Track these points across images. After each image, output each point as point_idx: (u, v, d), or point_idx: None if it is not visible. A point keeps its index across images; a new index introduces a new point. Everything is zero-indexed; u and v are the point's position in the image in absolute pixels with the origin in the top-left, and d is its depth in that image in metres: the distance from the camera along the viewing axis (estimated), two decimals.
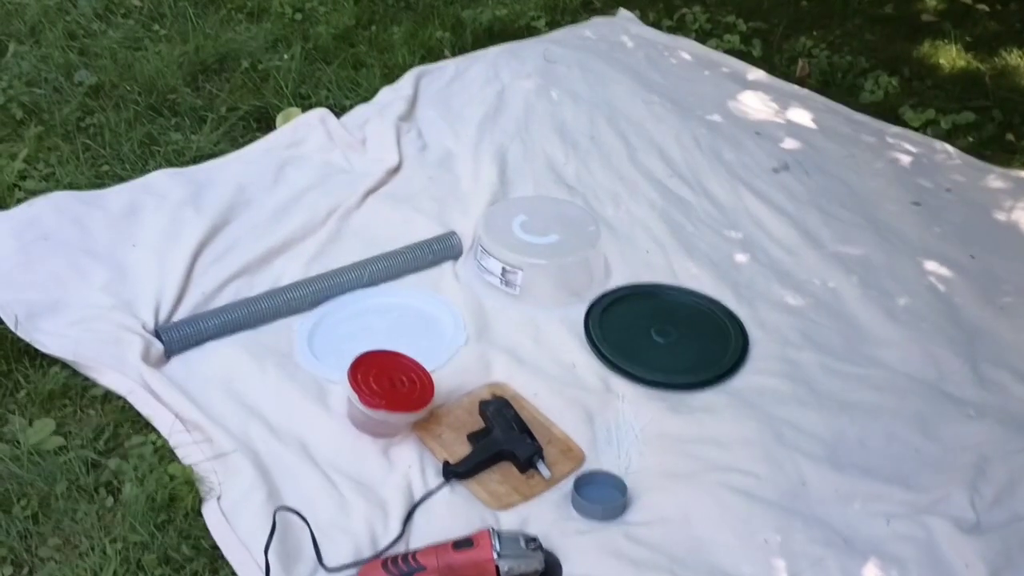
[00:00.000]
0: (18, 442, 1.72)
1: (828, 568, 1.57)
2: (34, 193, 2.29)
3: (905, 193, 2.51)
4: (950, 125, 2.80)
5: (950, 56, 3.22)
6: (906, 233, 2.36)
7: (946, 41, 3.31)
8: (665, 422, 1.82)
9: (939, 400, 1.89)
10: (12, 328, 1.90)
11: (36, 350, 1.89)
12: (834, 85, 3.05)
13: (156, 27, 3.11)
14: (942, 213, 2.45)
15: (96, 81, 2.76)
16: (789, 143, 2.70)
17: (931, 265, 2.26)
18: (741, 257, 2.26)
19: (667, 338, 2.02)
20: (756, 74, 3.06)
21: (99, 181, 2.38)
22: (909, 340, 2.04)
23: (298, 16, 3.25)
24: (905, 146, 2.72)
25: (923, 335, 2.05)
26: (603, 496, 1.67)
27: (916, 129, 2.80)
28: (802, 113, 2.85)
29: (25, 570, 1.53)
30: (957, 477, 1.71)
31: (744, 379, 1.94)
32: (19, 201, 2.26)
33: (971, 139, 2.77)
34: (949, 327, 2.08)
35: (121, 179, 2.39)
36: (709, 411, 1.85)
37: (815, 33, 3.35)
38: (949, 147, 2.70)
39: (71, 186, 2.34)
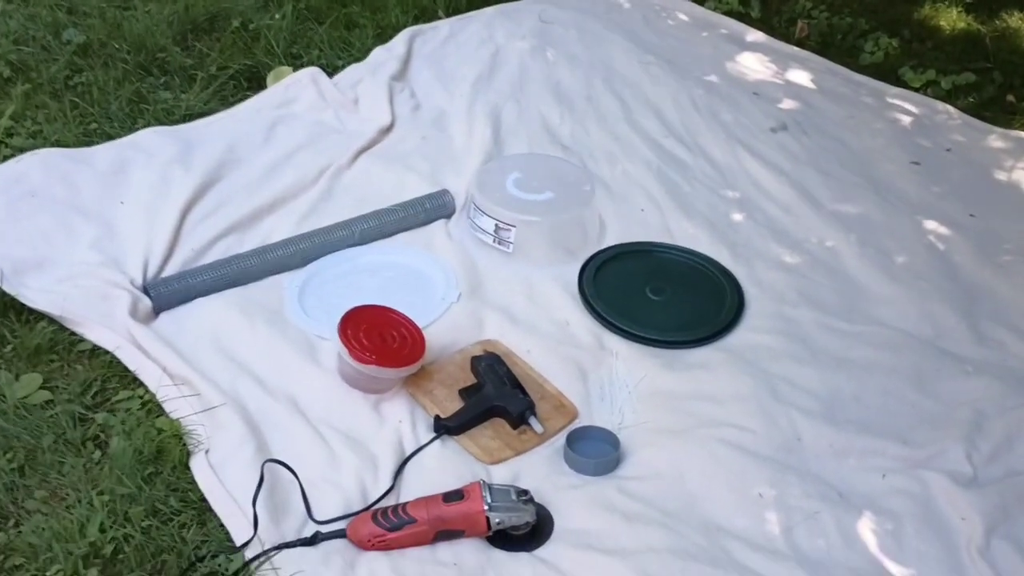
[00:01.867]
0: (4, 396, 1.70)
1: (823, 522, 1.56)
2: (21, 150, 2.26)
3: (904, 153, 2.48)
4: (950, 86, 2.77)
5: (951, 18, 3.18)
6: (905, 192, 2.34)
7: (946, 3, 3.27)
8: (659, 379, 1.81)
9: (936, 357, 1.88)
10: None
11: (23, 305, 1.86)
12: (833, 46, 3.01)
13: None
14: (942, 173, 2.42)
15: (85, 39, 2.72)
16: (787, 104, 2.67)
17: (930, 224, 2.23)
18: (738, 216, 2.23)
19: (662, 296, 2.00)
20: (754, 35, 3.02)
21: (87, 139, 2.35)
22: (907, 298, 2.02)
23: None
24: (905, 106, 2.69)
25: (921, 293, 2.03)
26: (596, 451, 1.65)
27: (916, 90, 2.77)
28: (801, 74, 2.81)
29: (11, 522, 1.52)
30: (954, 432, 1.70)
31: (740, 336, 1.92)
32: (6, 158, 2.23)
33: (972, 100, 2.74)
34: (948, 285, 2.06)
35: (110, 137, 2.35)
36: (704, 368, 1.83)
37: None
38: (950, 107, 2.67)
39: (59, 144, 2.30)
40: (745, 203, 2.28)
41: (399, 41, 2.80)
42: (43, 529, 1.49)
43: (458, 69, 2.71)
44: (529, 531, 1.50)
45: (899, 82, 2.81)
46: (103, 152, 2.27)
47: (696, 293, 2.01)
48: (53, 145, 2.29)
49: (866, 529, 1.56)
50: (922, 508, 1.58)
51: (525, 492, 1.52)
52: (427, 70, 2.71)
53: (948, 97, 2.74)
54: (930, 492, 1.60)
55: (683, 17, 3.13)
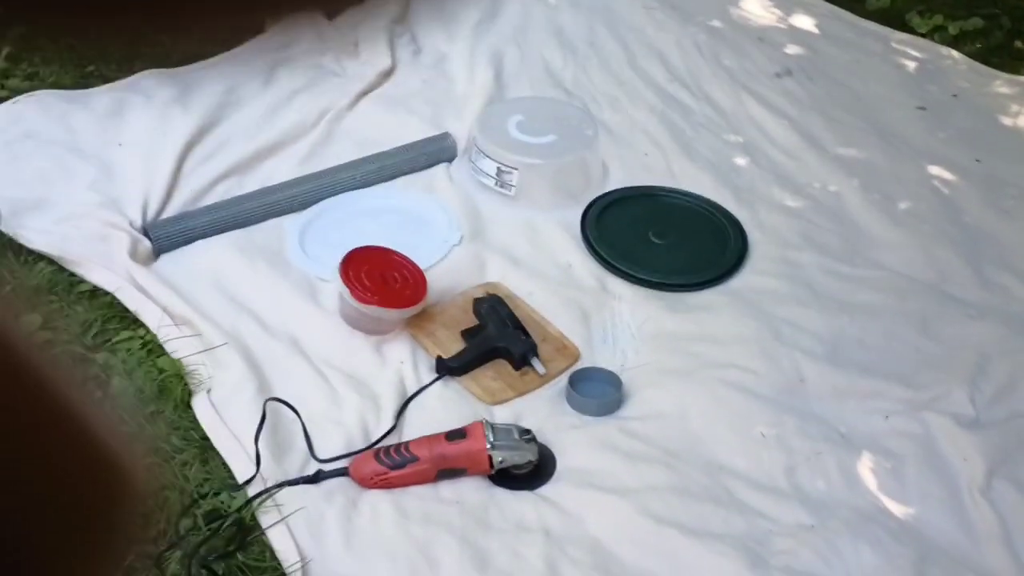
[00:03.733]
0: None
1: (824, 462, 1.56)
2: (17, 92, 2.23)
3: (910, 98, 2.46)
4: (957, 31, 2.73)
5: None
6: (910, 137, 2.31)
7: None
8: (662, 321, 1.80)
9: (940, 301, 1.87)
10: None
11: (21, 246, 1.85)
12: None
13: None
14: (948, 118, 2.40)
15: None
16: (792, 49, 2.64)
17: (935, 169, 2.21)
18: (741, 160, 2.21)
19: (665, 239, 1.99)
20: None
21: (84, 82, 2.32)
22: (911, 242, 2.00)
23: None
24: (911, 52, 2.65)
25: (925, 237, 2.02)
26: (598, 391, 1.65)
27: (923, 35, 2.73)
28: (806, 19, 2.77)
29: None
30: (957, 375, 1.70)
31: (743, 280, 1.91)
32: (3, 100, 2.21)
33: (979, 46, 2.70)
34: (952, 229, 2.04)
35: (107, 80, 2.32)
36: (707, 310, 1.82)
37: None
38: (956, 53, 2.64)
39: (55, 86, 2.27)
40: (749, 147, 2.26)
41: None
42: None
43: (459, 13, 2.67)
44: (531, 470, 1.50)
45: (905, 27, 2.77)
46: (101, 94, 2.24)
47: (699, 236, 1.99)
48: (50, 87, 2.26)
49: (867, 469, 1.56)
50: (924, 449, 1.58)
51: (527, 431, 1.52)
52: (428, 13, 2.67)
53: (955, 43, 2.70)
54: (932, 433, 1.60)
55: None
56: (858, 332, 1.79)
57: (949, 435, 1.58)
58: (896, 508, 1.51)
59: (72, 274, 1.82)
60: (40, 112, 2.14)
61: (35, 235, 1.86)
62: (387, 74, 2.42)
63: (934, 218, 2.07)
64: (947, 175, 2.19)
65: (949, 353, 1.75)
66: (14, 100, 2.18)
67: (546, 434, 1.57)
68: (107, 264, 1.81)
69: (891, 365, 1.73)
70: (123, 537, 0.38)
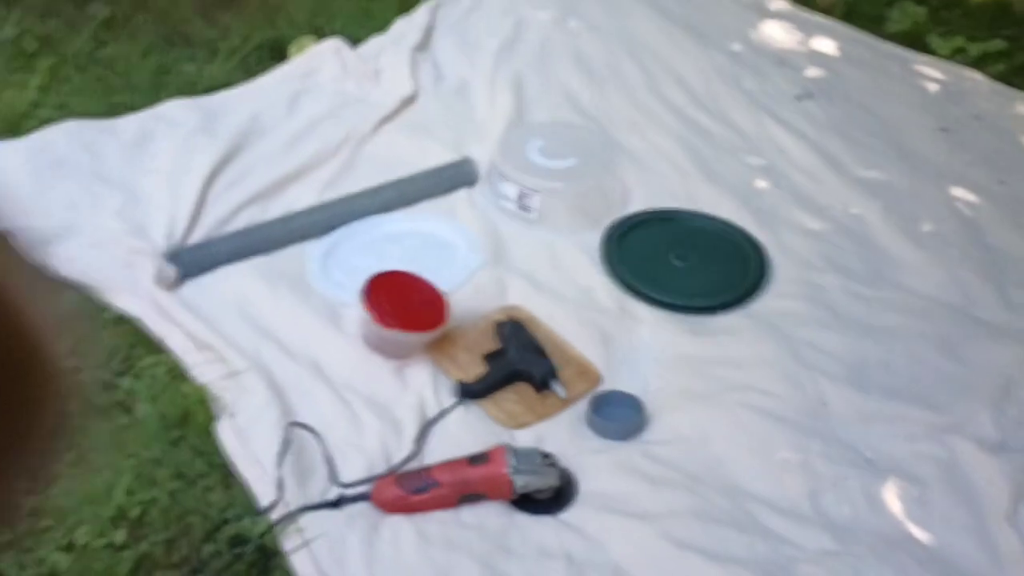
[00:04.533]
0: None
1: (848, 487, 1.55)
2: (47, 122, 2.27)
3: (932, 120, 2.45)
4: (979, 53, 2.71)
5: None
6: (933, 159, 2.30)
7: None
8: (683, 344, 1.80)
9: (965, 323, 1.85)
10: (26, 252, 1.89)
11: (49, 273, 1.87)
12: (859, 15, 2.96)
13: None
14: (970, 140, 2.39)
15: (110, 13, 2.72)
16: (812, 71, 2.64)
17: (958, 191, 2.20)
18: (762, 183, 2.21)
19: (686, 262, 1.99)
20: (778, 4, 2.98)
21: (112, 111, 2.35)
22: (934, 264, 1.99)
23: None
24: (932, 73, 2.64)
25: (949, 259, 2.01)
26: (619, 415, 1.65)
27: (944, 57, 2.73)
28: (826, 42, 2.77)
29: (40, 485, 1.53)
30: (982, 398, 1.68)
31: (764, 302, 1.90)
32: (32, 129, 2.24)
33: (1001, 67, 2.68)
34: (976, 252, 2.03)
35: (134, 109, 2.36)
36: (728, 333, 1.82)
37: None
38: (978, 74, 2.62)
39: (84, 115, 2.31)
40: (770, 170, 2.26)
41: (422, 12, 2.78)
42: (71, 492, 1.50)
43: (480, 39, 2.69)
44: (553, 495, 1.50)
45: (926, 49, 2.76)
46: (128, 123, 2.27)
47: (720, 259, 1.99)
48: (79, 117, 2.30)
49: (892, 494, 1.54)
50: (949, 474, 1.56)
51: (549, 456, 1.52)
52: (449, 40, 2.69)
53: (977, 64, 2.69)
54: (957, 458, 1.58)
55: None
56: (881, 355, 1.78)
57: (974, 460, 1.56)
58: (921, 534, 1.49)
59: (99, 300, 1.84)
60: (69, 140, 2.18)
61: (63, 262, 1.88)
62: (409, 100, 2.45)
63: (957, 240, 2.06)
64: (970, 197, 2.18)
65: (973, 376, 1.74)
66: (44, 129, 2.22)
67: (568, 458, 1.56)
68: (133, 290, 1.83)
69: (915, 388, 1.72)
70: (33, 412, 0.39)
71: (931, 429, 1.64)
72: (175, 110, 2.32)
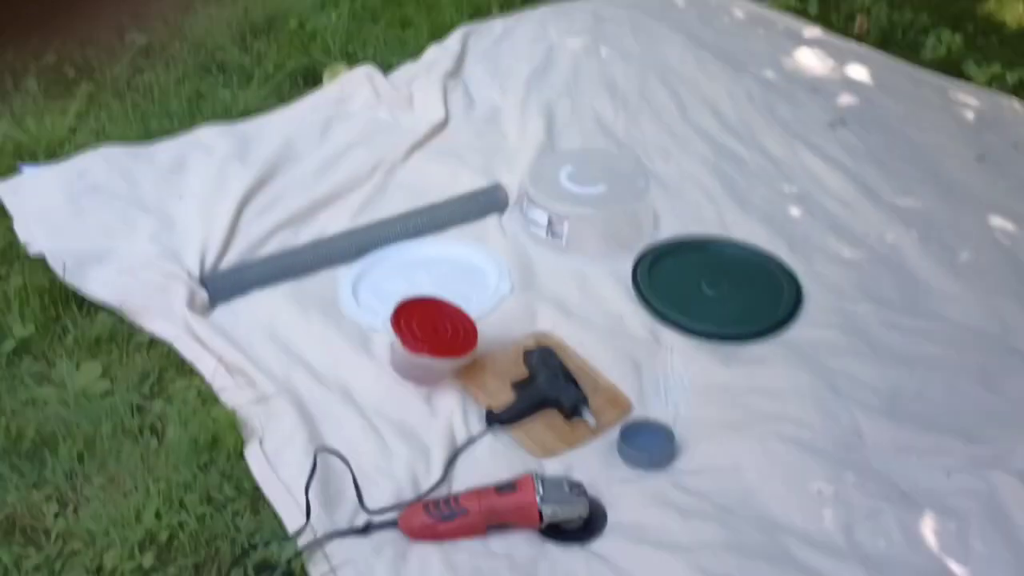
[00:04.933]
0: (65, 385, 1.73)
1: (884, 520, 1.51)
2: (84, 147, 2.31)
3: (969, 148, 2.42)
4: (1016, 80, 2.69)
5: (1016, 12, 3.10)
6: (970, 188, 2.28)
7: None
8: (715, 373, 1.78)
9: (1004, 354, 1.82)
10: (61, 275, 1.92)
11: (84, 297, 1.90)
12: (893, 42, 2.95)
13: None
14: (1009, 168, 2.36)
15: (147, 41, 2.77)
16: (846, 99, 2.62)
17: (996, 220, 2.17)
18: (795, 211, 2.20)
19: (718, 290, 1.97)
20: (812, 31, 2.98)
21: (148, 137, 2.39)
22: (972, 294, 1.96)
23: None
24: (969, 101, 2.62)
25: (987, 289, 1.97)
26: (650, 445, 1.63)
27: (981, 84, 2.70)
28: (860, 69, 2.76)
29: (70, 507, 1.54)
30: (1022, 431, 1.64)
31: (798, 331, 1.88)
32: (69, 155, 2.28)
33: None
34: (1014, 281, 1.99)
35: (169, 134, 2.39)
36: (761, 362, 1.80)
37: None
38: (1016, 102, 2.60)
39: (120, 141, 2.35)
40: (803, 197, 2.24)
41: (453, 39, 2.81)
42: (100, 515, 1.51)
43: (512, 66, 2.71)
44: (582, 524, 1.48)
45: (962, 77, 2.74)
46: (163, 148, 2.31)
47: (753, 287, 1.97)
48: (115, 143, 2.33)
49: (929, 529, 1.51)
50: (988, 508, 1.53)
51: (578, 485, 1.50)
52: (481, 67, 2.71)
53: (1015, 92, 2.67)
54: (996, 492, 1.54)
55: (739, 14, 3.09)
56: (917, 385, 1.75)
57: (1014, 494, 1.52)
58: (959, 570, 1.45)
59: (132, 324, 1.86)
60: (105, 166, 2.21)
61: (97, 286, 1.90)
62: (441, 127, 2.46)
63: (995, 269, 2.03)
64: (1009, 226, 2.15)
65: (1013, 408, 1.70)
66: (81, 155, 2.25)
67: (597, 487, 1.55)
68: (165, 314, 1.85)
69: (953, 420, 1.68)
70: None
71: (969, 462, 1.60)
72: (209, 136, 2.35)
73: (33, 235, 2.02)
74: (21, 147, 2.31)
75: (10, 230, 2.05)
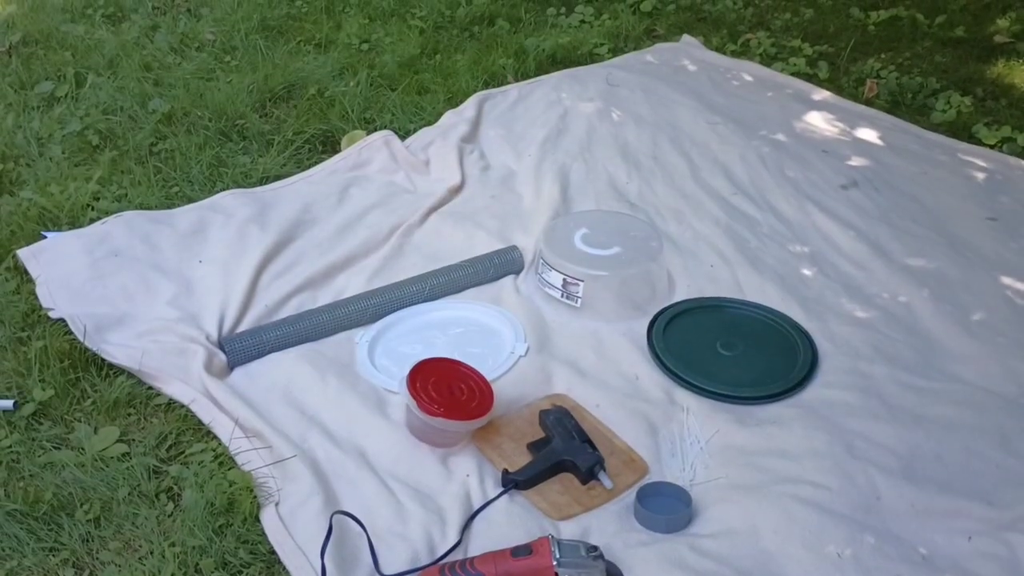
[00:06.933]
0: (83, 449, 1.74)
1: None
2: (107, 213, 2.35)
3: (980, 209, 2.44)
4: None
5: None
6: (981, 248, 2.29)
7: (1020, 61, 3.23)
8: (731, 434, 1.77)
9: (1019, 414, 1.81)
10: (81, 339, 1.94)
11: (103, 360, 1.92)
12: (903, 105, 2.99)
13: (228, 59, 3.20)
14: (1020, 229, 2.37)
15: (169, 109, 2.83)
16: (857, 160, 2.65)
17: (1008, 280, 2.17)
18: (808, 271, 2.21)
19: (733, 351, 1.97)
20: (822, 94, 3.02)
21: (169, 202, 2.44)
22: (986, 354, 1.96)
23: (364, 46, 3.32)
24: (979, 163, 2.64)
25: (1001, 349, 1.97)
26: (667, 507, 1.62)
27: (991, 147, 2.73)
28: (870, 132, 2.79)
29: (86, 572, 1.54)
30: None
31: (814, 392, 1.88)
32: (92, 220, 2.32)
33: None
34: None
35: (190, 200, 2.44)
36: (777, 424, 1.79)
37: (883, 56, 3.29)
38: None
39: (142, 206, 2.39)
40: (816, 258, 2.25)
41: (469, 105, 2.86)
42: None
43: (527, 130, 2.75)
44: None
45: (972, 139, 2.77)
46: (183, 213, 2.35)
47: (768, 348, 1.98)
48: (137, 207, 2.38)
49: None
50: (1009, 573, 1.51)
51: (595, 548, 1.49)
52: (496, 132, 2.76)
53: None
54: (1018, 556, 1.53)
55: (748, 78, 3.14)
56: (935, 447, 1.74)
57: None
58: None
59: (150, 387, 1.88)
60: (126, 231, 2.25)
61: (116, 349, 1.92)
62: (457, 190, 2.50)
63: (1009, 329, 2.03)
64: (1021, 286, 2.15)
65: None
66: (103, 221, 2.30)
67: (614, 551, 1.54)
68: (183, 377, 1.86)
69: (971, 482, 1.67)
70: None
71: (989, 525, 1.59)
72: (229, 201, 2.39)
73: (55, 300, 2.05)
74: (44, 213, 2.35)
75: (33, 295, 2.08)
